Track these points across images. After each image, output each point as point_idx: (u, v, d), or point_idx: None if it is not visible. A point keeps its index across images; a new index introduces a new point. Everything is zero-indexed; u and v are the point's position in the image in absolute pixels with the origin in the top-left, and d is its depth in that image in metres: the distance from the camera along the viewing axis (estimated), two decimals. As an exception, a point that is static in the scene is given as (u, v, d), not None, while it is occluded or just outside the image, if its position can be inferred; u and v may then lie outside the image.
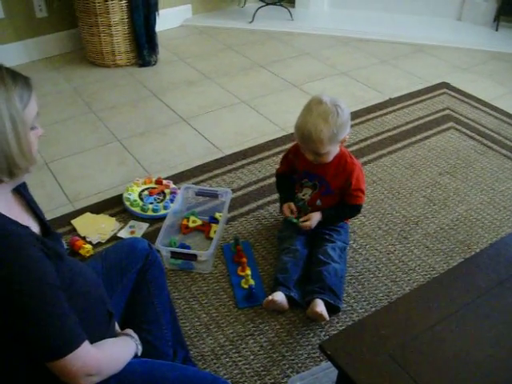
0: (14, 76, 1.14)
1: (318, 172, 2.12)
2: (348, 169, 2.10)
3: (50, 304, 1.11)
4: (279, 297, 1.99)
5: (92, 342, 1.21)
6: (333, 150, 2.04)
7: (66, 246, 2.26)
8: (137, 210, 2.46)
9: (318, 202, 2.17)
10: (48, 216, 2.45)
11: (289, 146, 2.84)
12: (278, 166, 2.67)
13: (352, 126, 3.10)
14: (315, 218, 2.15)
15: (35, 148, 1.20)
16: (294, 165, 2.22)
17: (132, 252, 1.62)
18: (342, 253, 2.17)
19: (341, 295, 2.03)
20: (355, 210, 2.22)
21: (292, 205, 2.21)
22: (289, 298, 2.01)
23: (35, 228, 1.25)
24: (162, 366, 1.40)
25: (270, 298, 1.98)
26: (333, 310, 1.99)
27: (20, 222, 1.16)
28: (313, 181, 2.15)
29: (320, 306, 1.93)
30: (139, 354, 1.39)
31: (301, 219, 2.18)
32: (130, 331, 1.44)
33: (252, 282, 2.11)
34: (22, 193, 1.30)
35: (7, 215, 1.14)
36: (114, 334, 1.41)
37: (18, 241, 1.09)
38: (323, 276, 2.02)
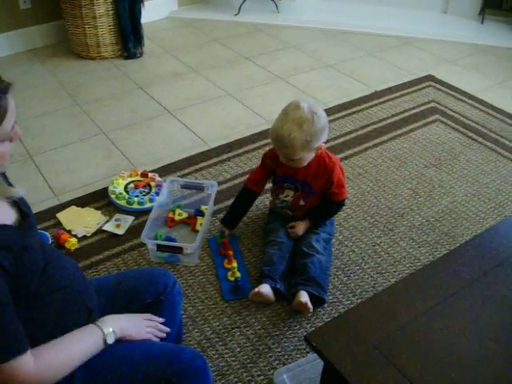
0: None
1: (298, 177, 2.13)
2: (328, 170, 2.10)
3: None
4: (265, 289, 1.99)
5: None
6: (307, 157, 2.03)
7: (50, 240, 2.25)
8: (122, 203, 2.45)
9: (302, 202, 2.17)
10: (33, 209, 2.44)
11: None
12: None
13: (338, 118, 3.15)
14: (302, 226, 2.18)
15: (8, 156, 1.18)
16: (272, 170, 2.21)
17: (147, 283, 1.55)
18: (327, 244, 2.17)
19: (325, 286, 2.04)
20: (341, 205, 2.23)
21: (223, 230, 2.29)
22: (275, 290, 2.01)
23: (11, 215, 1.20)
24: (127, 344, 1.36)
25: (257, 290, 1.98)
26: (318, 301, 2.00)
27: None
28: (294, 184, 2.15)
29: (304, 297, 1.94)
30: (110, 342, 1.31)
31: (288, 226, 2.21)
32: (107, 318, 1.36)
33: (238, 274, 2.11)
34: None
35: None
36: None
37: None
38: (307, 268, 2.03)
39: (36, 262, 1.21)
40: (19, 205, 1.24)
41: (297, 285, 2.01)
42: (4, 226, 1.13)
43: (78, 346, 1.26)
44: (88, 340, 1.29)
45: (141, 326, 1.42)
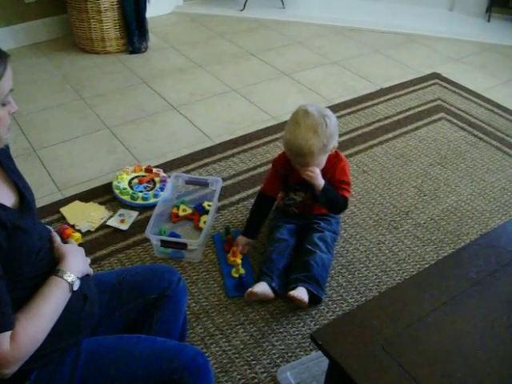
0: None
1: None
2: (333, 166, 2.09)
3: None
4: (260, 288, 1.97)
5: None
6: (323, 160, 2.02)
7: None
8: (126, 198, 2.44)
9: (309, 201, 2.17)
10: (37, 204, 2.44)
11: (279, 134, 2.83)
12: (268, 155, 2.67)
13: (343, 115, 3.14)
14: (320, 178, 2.03)
15: (5, 125, 1.16)
16: (285, 176, 2.17)
17: (152, 278, 1.53)
18: (331, 243, 2.16)
19: (324, 286, 2.03)
20: (343, 201, 2.15)
21: (244, 241, 2.20)
22: (271, 288, 2.00)
23: (10, 198, 1.21)
24: (129, 339, 1.35)
25: (249, 290, 1.96)
26: (314, 300, 1.99)
27: None
28: (306, 186, 2.12)
29: (301, 293, 1.93)
30: (75, 288, 1.28)
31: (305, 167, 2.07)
32: (63, 265, 1.29)
33: (242, 271, 2.11)
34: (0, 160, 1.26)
35: None
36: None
37: None
38: (310, 266, 2.02)
39: (32, 245, 1.21)
40: (21, 190, 1.26)
41: (297, 281, 1.99)
42: (0, 205, 1.14)
43: (49, 306, 1.22)
44: (56, 296, 1.24)
45: (86, 259, 1.41)
